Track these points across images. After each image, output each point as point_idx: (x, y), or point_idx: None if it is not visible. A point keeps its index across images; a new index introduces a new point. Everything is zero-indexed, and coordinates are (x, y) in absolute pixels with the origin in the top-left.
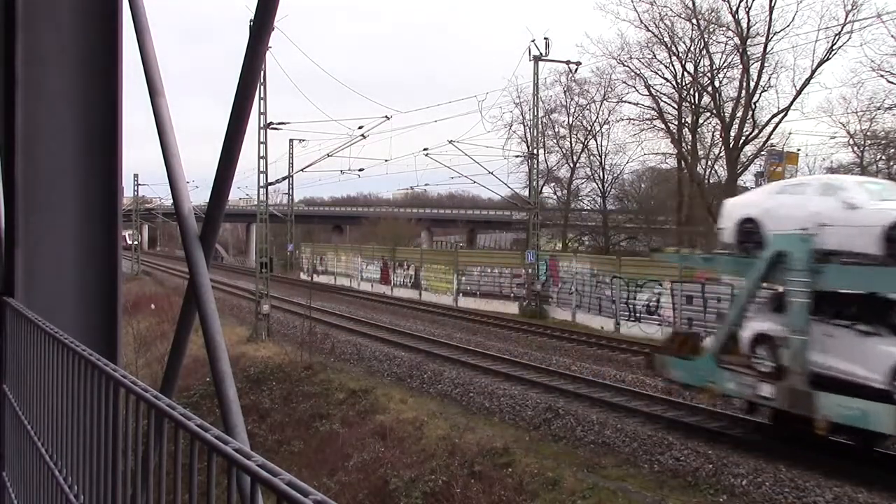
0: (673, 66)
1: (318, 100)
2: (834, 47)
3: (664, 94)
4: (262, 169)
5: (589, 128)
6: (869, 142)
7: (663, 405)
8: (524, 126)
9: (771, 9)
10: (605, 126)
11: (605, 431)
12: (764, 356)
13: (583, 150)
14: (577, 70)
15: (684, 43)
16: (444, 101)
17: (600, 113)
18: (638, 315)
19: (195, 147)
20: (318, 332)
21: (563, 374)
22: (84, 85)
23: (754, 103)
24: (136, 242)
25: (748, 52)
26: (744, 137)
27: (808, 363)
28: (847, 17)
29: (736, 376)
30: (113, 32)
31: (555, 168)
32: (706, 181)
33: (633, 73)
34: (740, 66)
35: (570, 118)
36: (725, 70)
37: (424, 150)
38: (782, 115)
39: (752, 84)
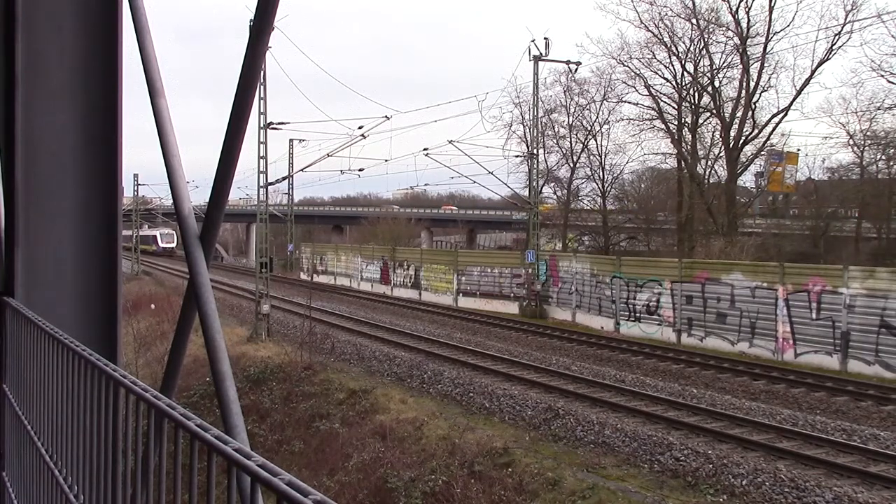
0: (673, 66)
1: (318, 100)
2: (834, 47)
3: (664, 94)
4: (262, 169)
5: (589, 128)
6: (869, 142)
7: (663, 405)
8: (524, 126)
9: (771, 9)
10: (605, 126)
11: (605, 431)
12: None
13: (583, 150)
14: (577, 70)
15: (684, 43)
16: (444, 101)
17: (600, 113)
18: (638, 315)
19: (195, 147)
20: (318, 332)
21: (563, 374)
22: (84, 85)
23: (754, 103)
24: (172, 245)
25: (748, 52)
26: (744, 137)
27: None
28: (847, 17)
29: None
30: (113, 32)
31: (555, 168)
32: (706, 181)
33: (633, 73)
34: (740, 66)
35: (570, 118)
36: (725, 70)
37: (424, 150)
38: (782, 115)
39: (752, 84)
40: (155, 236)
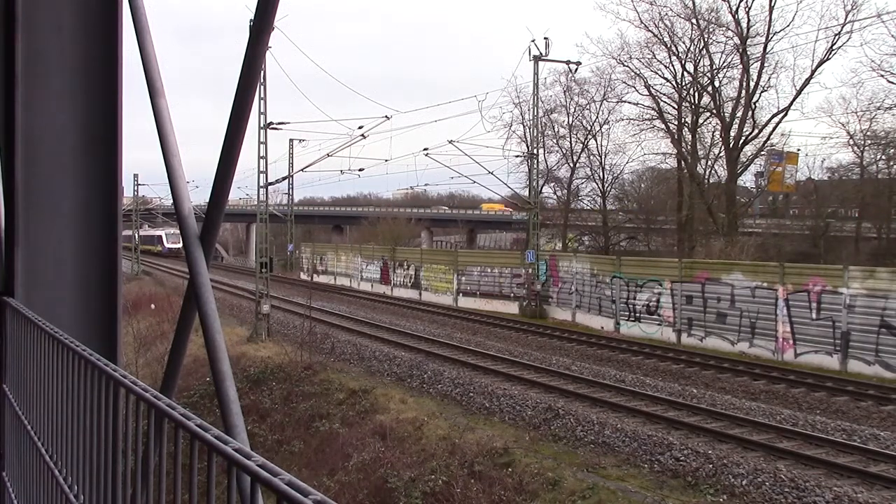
0: (673, 66)
1: (318, 100)
2: (834, 47)
3: (664, 94)
4: (262, 169)
5: (589, 128)
6: (869, 142)
7: (663, 405)
8: (524, 126)
9: (771, 9)
10: (605, 126)
11: (605, 431)
12: None
13: (583, 150)
14: (576, 70)
15: (684, 43)
16: (444, 101)
17: (600, 113)
18: (638, 315)
19: (195, 147)
20: (318, 332)
21: (563, 374)
22: (84, 85)
23: (754, 103)
24: (178, 246)
25: (748, 52)
26: (744, 137)
27: None
28: (847, 17)
29: None
30: (113, 32)
31: (555, 168)
32: (706, 181)
33: (632, 73)
34: (740, 66)
35: (570, 118)
36: (725, 70)
37: (424, 150)
38: (782, 115)
39: (752, 84)
40: (160, 236)
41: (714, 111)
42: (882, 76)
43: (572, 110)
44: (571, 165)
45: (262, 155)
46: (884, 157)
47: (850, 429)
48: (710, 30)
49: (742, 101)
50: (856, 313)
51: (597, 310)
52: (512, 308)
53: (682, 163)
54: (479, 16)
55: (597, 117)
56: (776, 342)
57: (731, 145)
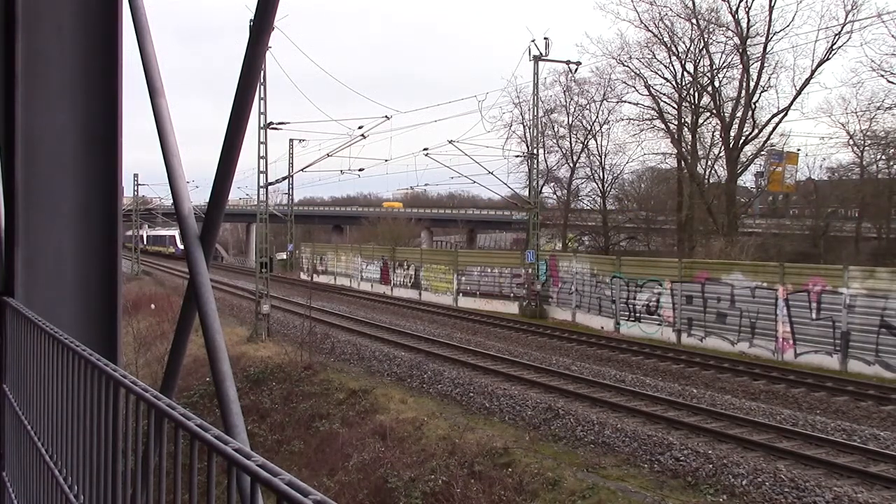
0: (673, 66)
1: (318, 100)
2: (834, 47)
3: (664, 94)
4: (262, 169)
5: (589, 128)
6: (869, 142)
7: (663, 405)
8: (524, 126)
9: (771, 9)
10: (605, 126)
11: (605, 431)
12: None
13: (583, 150)
14: (576, 70)
15: (684, 43)
16: (444, 101)
17: (600, 113)
18: (638, 315)
19: (195, 147)
20: (318, 332)
21: (563, 374)
22: (84, 85)
23: (754, 103)
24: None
25: (748, 52)
26: (744, 137)
27: None
28: (847, 17)
29: None
30: (113, 32)
31: (555, 168)
32: (706, 181)
33: (632, 73)
34: (740, 66)
35: (570, 118)
36: (725, 70)
37: (424, 150)
38: (782, 115)
39: (752, 84)
40: (173, 237)
41: (714, 111)
42: (882, 76)
43: (572, 110)
44: (571, 165)
45: (262, 155)
46: (884, 157)
47: (850, 429)
48: (710, 30)
49: (742, 101)
50: (856, 313)
51: (597, 310)
52: (512, 308)
53: (682, 163)
54: (479, 16)
55: (597, 117)
56: (776, 342)
57: (731, 145)
